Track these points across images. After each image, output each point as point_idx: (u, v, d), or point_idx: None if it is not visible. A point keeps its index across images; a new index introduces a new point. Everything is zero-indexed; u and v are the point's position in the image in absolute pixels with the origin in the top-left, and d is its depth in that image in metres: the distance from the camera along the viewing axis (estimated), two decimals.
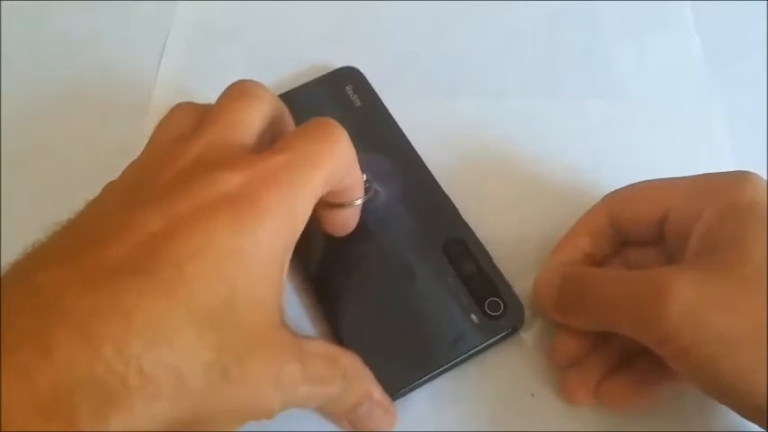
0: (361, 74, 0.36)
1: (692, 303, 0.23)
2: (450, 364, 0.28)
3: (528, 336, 0.30)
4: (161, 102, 0.37)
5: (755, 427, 0.27)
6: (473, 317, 0.29)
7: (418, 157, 0.34)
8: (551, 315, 0.28)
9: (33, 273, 0.20)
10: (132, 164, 0.25)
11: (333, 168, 0.25)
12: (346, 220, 0.29)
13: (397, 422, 0.27)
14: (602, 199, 0.30)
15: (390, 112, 0.35)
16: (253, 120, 0.25)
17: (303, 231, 0.24)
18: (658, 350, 0.24)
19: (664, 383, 0.27)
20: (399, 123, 0.35)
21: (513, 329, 0.29)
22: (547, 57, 0.39)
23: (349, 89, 0.36)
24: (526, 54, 0.39)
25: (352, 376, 0.25)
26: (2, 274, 0.20)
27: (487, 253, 0.31)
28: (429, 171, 0.33)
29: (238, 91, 0.26)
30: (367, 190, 0.28)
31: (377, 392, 0.26)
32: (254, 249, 0.22)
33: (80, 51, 0.39)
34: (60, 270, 0.20)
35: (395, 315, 0.29)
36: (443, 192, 0.33)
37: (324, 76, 0.36)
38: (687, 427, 0.28)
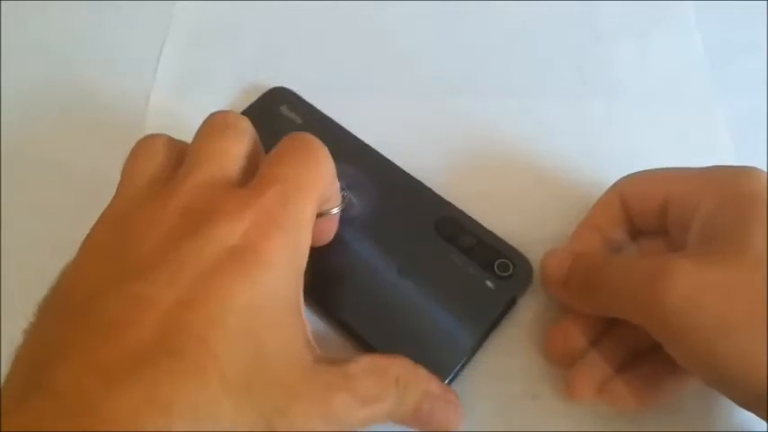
0: (291, 92, 0.36)
1: (690, 287, 0.23)
2: (485, 335, 0.29)
3: (527, 326, 0.30)
4: (160, 104, 0.37)
5: (756, 426, 0.27)
6: (488, 283, 0.30)
7: (378, 153, 0.34)
8: (557, 292, 0.29)
9: (50, 374, 0.19)
10: (110, 212, 0.24)
11: (322, 189, 0.24)
12: (326, 230, 0.28)
13: (462, 411, 0.27)
14: (615, 183, 0.30)
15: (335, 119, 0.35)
16: (238, 154, 0.25)
17: None
18: (658, 336, 0.24)
19: (668, 385, 0.27)
20: (398, 123, 0.35)
21: (528, 283, 0.30)
22: (547, 56, 0.39)
23: (284, 109, 0.35)
24: (526, 54, 0.39)
25: (405, 382, 0.25)
26: (9, 371, 0.20)
27: (477, 221, 0.31)
28: (393, 163, 0.33)
29: (221, 125, 0.25)
30: (343, 197, 0.28)
31: (435, 388, 0.26)
32: (269, 298, 0.21)
33: (79, 53, 0.39)
34: (79, 369, 0.19)
35: (415, 309, 0.29)
36: (413, 177, 0.33)
37: (256, 101, 0.36)
38: (688, 428, 0.28)
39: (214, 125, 0.25)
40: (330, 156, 0.25)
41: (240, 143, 0.25)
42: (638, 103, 0.37)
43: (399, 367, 0.25)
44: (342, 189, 0.28)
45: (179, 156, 0.25)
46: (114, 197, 0.24)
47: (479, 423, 0.28)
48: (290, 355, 0.22)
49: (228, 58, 0.39)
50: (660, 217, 0.28)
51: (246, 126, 0.26)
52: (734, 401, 0.24)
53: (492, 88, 0.38)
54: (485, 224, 0.31)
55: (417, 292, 0.30)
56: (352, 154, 0.34)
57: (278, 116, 0.35)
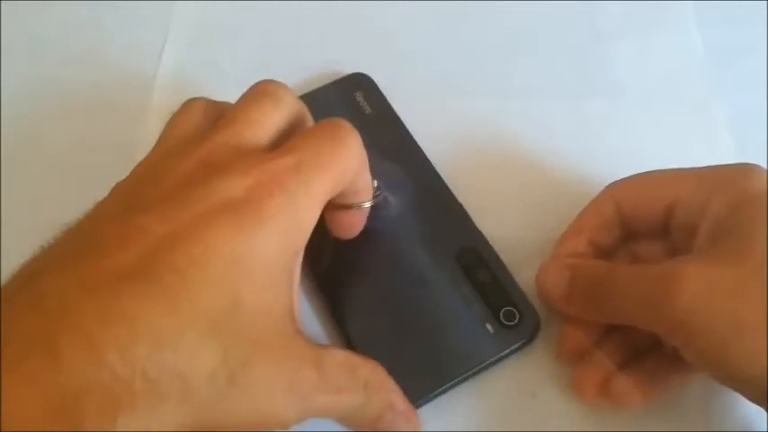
0: (371, 80, 0.36)
1: (701, 289, 0.23)
2: (465, 375, 0.28)
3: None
4: (161, 102, 0.37)
5: (757, 426, 0.27)
6: (488, 327, 0.29)
7: (430, 164, 0.33)
8: (560, 307, 0.28)
9: (37, 279, 0.20)
10: (140, 164, 0.25)
11: (342, 171, 0.24)
12: (352, 223, 0.28)
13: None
14: (606, 188, 0.30)
15: (400, 117, 0.35)
16: (270, 122, 0.25)
17: (315, 239, 0.24)
18: (670, 339, 0.24)
19: (671, 381, 0.27)
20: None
21: (529, 339, 0.29)
22: (547, 57, 0.39)
23: (359, 96, 0.35)
24: (526, 54, 0.39)
25: (373, 387, 0.25)
26: (8, 277, 0.21)
27: (502, 261, 0.30)
28: (441, 179, 0.33)
29: (260, 92, 0.26)
30: (376, 195, 0.28)
31: (400, 403, 0.26)
32: (257, 256, 0.22)
33: (80, 51, 0.39)
34: (64, 276, 0.20)
35: (409, 325, 0.29)
36: (456, 199, 0.32)
37: (333, 82, 0.36)
38: (687, 427, 0.28)
39: (255, 91, 0.26)
40: (362, 145, 0.25)
41: (276, 111, 0.25)
42: (638, 103, 0.37)
43: (370, 371, 0.25)
44: (378, 187, 0.28)
45: (217, 117, 0.25)
46: (150, 151, 0.25)
47: (479, 421, 0.28)
48: (267, 317, 0.22)
49: (228, 58, 0.39)
50: (662, 221, 0.28)
51: (285, 95, 0.26)
52: (746, 397, 0.24)
53: (492, 88, 0.38)
54: (486, 225, 0.31)
55: (418, 310, 0.29)
56: (404, 157, 0.33)
57: (350, 101, 0.35)
